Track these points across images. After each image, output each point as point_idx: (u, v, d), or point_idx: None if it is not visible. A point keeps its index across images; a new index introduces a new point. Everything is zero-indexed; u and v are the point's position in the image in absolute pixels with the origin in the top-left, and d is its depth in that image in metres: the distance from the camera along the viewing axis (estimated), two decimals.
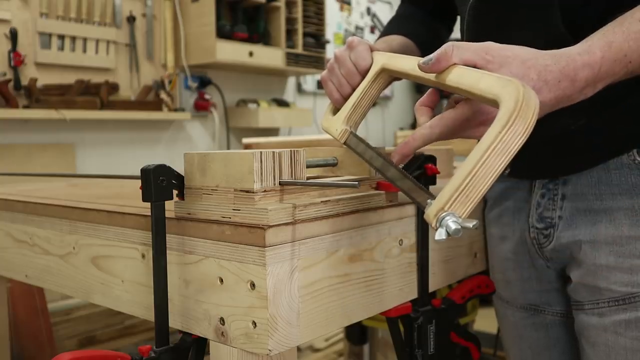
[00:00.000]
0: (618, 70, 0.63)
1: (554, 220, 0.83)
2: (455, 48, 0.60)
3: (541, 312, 0.93)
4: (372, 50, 0.77)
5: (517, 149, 0.52)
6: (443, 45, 0.61)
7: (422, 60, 0.63)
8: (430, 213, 0.53)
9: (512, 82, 0.54)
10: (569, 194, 0.82)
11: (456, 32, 1.12)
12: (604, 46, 0.62)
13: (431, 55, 0.62)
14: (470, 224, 0.51)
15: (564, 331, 0.91)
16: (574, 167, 0.81)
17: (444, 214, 0.52)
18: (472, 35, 0.82)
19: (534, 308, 0.93)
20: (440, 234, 0.52)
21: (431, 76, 0.64)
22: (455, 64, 0.60)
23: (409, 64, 0.70)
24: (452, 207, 0.52)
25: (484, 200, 1.00)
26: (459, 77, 0.59)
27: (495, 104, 0.55)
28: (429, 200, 0.56)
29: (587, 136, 0.78)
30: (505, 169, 0.87)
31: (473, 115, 0.61)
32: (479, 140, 0.55)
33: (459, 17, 0.95)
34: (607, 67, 0.62)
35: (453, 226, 0.51)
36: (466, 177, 0.52)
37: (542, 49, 0.63)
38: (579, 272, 0.82)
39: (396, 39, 1.00)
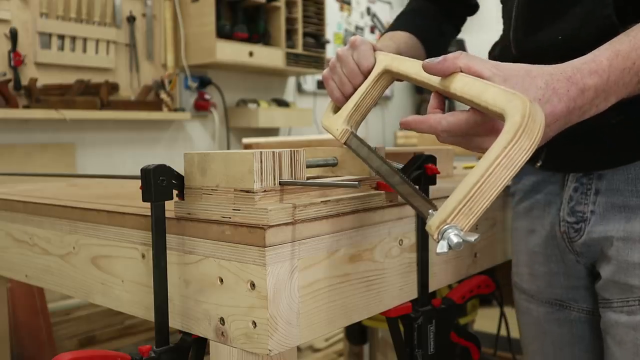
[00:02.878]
0: (628, 79, 0.62)
1: (585, 215, 0.83)
2: (464, 55, 0.60)
3: (566, 308, 0.92)
4: (374, 49, 0.77)
5: (522, 165, 0.52)
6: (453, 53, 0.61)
7: (427, 60, 0.63)
8: (432, 225, 0.53)
9: (519, 97, 0.54)
10: (604, 189, 0.81)
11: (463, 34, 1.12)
12: (610, 55, 0.62)
13: (438, 57, 0.61)
14: (472, 237, 0.51)
15: (589, 329, 0.91)
16: (610, 162, 0.80)
17: (446, 227, 0.52)
18: (520, 21, 0.82)
19: (560, 303, 0.92)
20: (442, 247, 0.52)
21: (436, 82, 0.64)
22: (460, 70, 0.60)
23: (413, 67, 0.70)
24: (454, 220, 0.52)
25: (511, 195, 1.00)
26: (464, 86, 0.59)
27: (501, 117, 0.55)
28: (430, 211, 0.57)
29: (625, 131, 0.77)
30: (537, 161, 0.87)
31: (483, 120, 0.61)
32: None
33: (501, 7, 0.94)
34: (616, 76, 0.61)
35: (455, 240, 0.51)
36: (471, 190, 0.52)
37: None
38: (609, 269, 0.82)
39: (402, 37, 0.99)
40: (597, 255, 0.84)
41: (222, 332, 0.65)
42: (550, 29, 0.78)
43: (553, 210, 0.88)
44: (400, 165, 0.78)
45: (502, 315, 1.57)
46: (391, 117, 4.68)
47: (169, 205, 0.68)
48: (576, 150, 0.82)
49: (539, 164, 0.88)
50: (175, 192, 0.68)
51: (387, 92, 4.59)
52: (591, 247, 0.84)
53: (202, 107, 3.15)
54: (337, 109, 0.80)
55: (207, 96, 3.16)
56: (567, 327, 0.92)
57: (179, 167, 0.70)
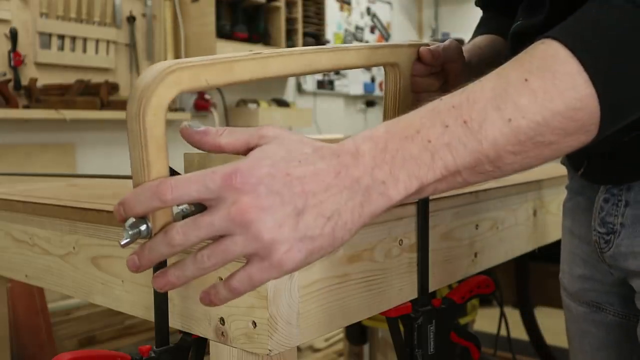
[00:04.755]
0: (417, 152, 0.49)
1: (615, 227, 0.80)
2: (228, 132, 0.52)
3: (603, 310, 0.90)
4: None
5: None
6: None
7: (188, 124, 0.54)
8: None
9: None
10: (632, 201, 0.79)
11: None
12: (391, 123, 0.51)
13: (200, 127, 0.53)
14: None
15: (626, 332, 0.88)
16: (636, 175, 0.78)
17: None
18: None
19: (597, 305, 0.90)
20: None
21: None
22: (221, 148, 0.52)
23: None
24: None
25: (566, 189, 0.99)
26: None
27: None
28: None
29: None
30: (579, 169, 0.86)
31: None
32: None
33: None
34: (397, 144, 0.49)
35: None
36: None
37: None
38: (638, 284, 0.80)
39: (481, 38, 0.96)
40: (625, 270, 0.82)
41: (222, 332, 0.65)
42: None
43: (589, 217, 0.86)
44: None
45: (502, 315, 1.57)
46: None
47: None
48: (610, 164, 0.80)
49: (580, 172, 0.87)
50: None
51: None
52: (619, 262, 0.81)
53: (202, 107, 3.15)
54: None
55: (207, 96, 3.16)
56: (604, 329, 0.90)
57: (179, 167, 0.70)
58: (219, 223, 0.46)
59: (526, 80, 0.48)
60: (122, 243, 0.50)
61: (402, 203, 0.70)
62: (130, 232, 0.50)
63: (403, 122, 0.50)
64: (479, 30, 1.01)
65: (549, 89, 0.47)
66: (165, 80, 0.51)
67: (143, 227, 0.50)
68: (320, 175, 0.47)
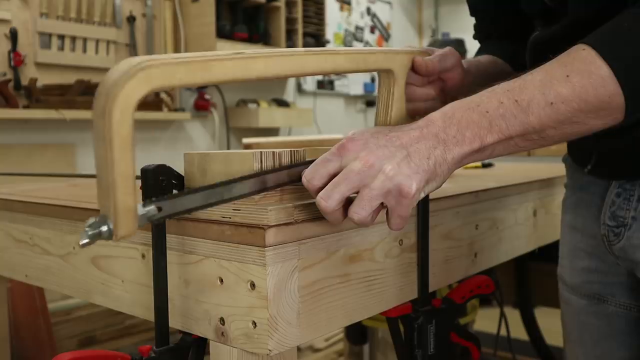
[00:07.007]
0: (477, 118, 0.61)
1: (626, 220, 0.82)
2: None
3: (604, 302, 0.92)
4: None
5: None
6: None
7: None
8: None
9: None
10: None
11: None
12: (455, 102, 0.63)
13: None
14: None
15: (627, 323, 0.90)
16: None
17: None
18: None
19: (598, 297, 0.92)
20: None
21: None
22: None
23: None
24: None
25: (565, 187, 0.99)
26: None
27: None
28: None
29: None
30: (586, 165, 0.86)
31: None
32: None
33: None
34: (462, 113, 0.61)
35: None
36: None
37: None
38: None
39: (482, 56, 0.97)
40: (635, 261, 0.83)
41: (222, 332, 0.65)
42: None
43: (596, 211, 0.88)
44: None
45: (502, 315, 1.57)
46: None
47: None
48: (623, 160, 0.81)
49: (587, 169, 0.87)
50: (175, 192, 0.68)
51: None
52: (629, 254, 0.83)
53: (202, 107, 3.15)
54: None
55: (207, 96, 3.17)
56: (605, 320, 0.92)
57: (179, 167, 0.70)
58: (353, 175, 0.58)
59: (567, 76, 0.60)
60: (80, 243, 0.50)
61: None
62: (89, 233, 0.50)
63: (466, 100, 0.63)
64: (479, 54, 1.02)
65: (585, 85, 0.59)
66: (135, 77, 0.49)
67: (104, 228, 0.50)
68: (408, 133, 0.60)
